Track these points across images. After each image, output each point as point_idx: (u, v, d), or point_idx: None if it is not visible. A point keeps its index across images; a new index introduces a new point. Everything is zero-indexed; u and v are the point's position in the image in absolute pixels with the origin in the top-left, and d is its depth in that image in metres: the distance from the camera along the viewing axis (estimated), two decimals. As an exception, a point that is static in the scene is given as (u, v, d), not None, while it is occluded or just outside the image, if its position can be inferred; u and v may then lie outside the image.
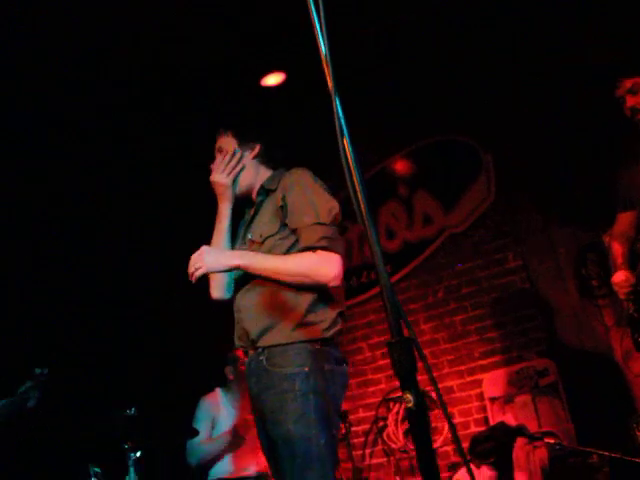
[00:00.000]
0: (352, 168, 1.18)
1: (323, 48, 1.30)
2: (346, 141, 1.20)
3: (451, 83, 5.19)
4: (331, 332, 2.47)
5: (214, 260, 2.48)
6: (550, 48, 4.83)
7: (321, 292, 2.50)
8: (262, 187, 2.75)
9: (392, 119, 5.45)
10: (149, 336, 5.86)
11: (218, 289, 2.80)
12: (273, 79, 5.23)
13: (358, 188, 1.17)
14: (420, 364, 1.30)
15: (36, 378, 3.49)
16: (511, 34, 4.91)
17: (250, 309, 2.57)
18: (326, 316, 2.49)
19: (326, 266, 2.43)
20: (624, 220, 3.61)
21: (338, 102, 1.25)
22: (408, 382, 1.13)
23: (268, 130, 2.93)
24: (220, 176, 2.77)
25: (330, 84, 1.29)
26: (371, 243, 1.14)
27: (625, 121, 3.47)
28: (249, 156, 2.80)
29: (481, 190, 5.30)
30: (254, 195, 2.80)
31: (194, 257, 2.48)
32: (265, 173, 2.81)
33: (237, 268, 2.51)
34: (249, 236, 2.70)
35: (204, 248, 2.52)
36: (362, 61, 5.06)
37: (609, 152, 4.33)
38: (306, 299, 2.49)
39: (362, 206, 1.16)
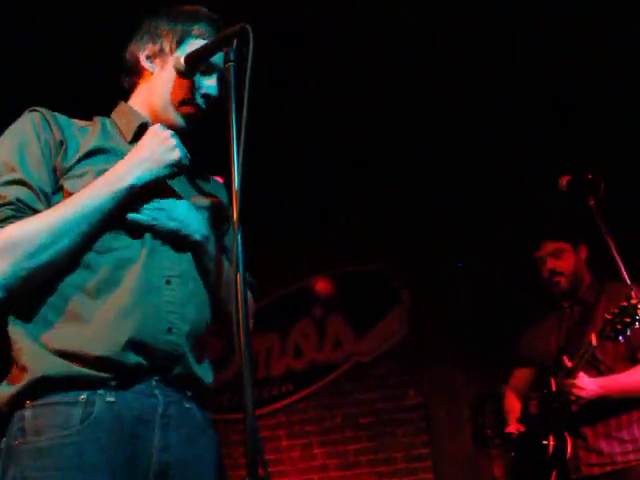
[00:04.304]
0: (240, 303, 1.21)
1: (236, 184, 1.35)
2: (239, 277, 1.25)
3: (382, 216, 5.34)
4: None
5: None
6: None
7: None
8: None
9: (320, 241, 5.54)
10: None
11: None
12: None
13: (242, 326, 1.20)
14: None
15: None
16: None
17: (198, 319, 1.62)
18: None
19: None
20: (520, 376, 3.71)
21: (240, 237, 1.29)
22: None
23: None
24: None
25: (235, 217, 1.33)
26: (245, 381, 1.15)
27: (536, 282, 3.62)
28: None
29: (394, 323, 5.39)
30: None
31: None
32: None
33: None
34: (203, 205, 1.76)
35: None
36: (295, 185, 5.20)
37: (520, 309, 4.51)
38: None
39: (242, 345, 1.18)
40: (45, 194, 1.56)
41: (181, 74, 1.74)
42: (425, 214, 5.21)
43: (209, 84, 1.76)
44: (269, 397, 5.50)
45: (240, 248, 1.29)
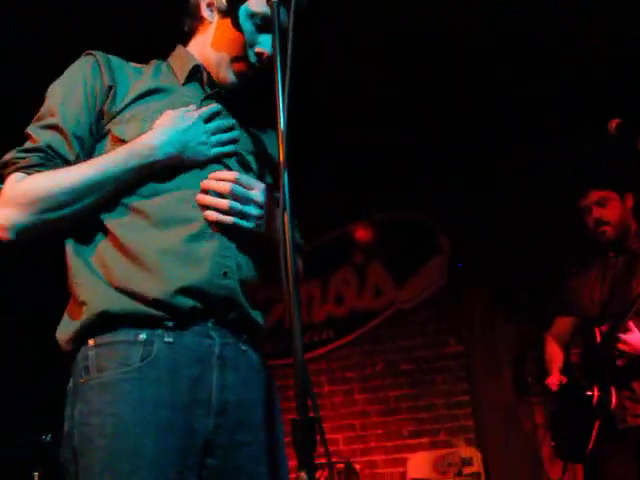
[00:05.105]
0: (287, 244, 1.21)
1: (282, 124, 1.33)
2: (286, 217, 1.24)
3: (424, 166, 5.30)
4: None
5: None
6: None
7: None
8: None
9: (361, 188, 5.53)
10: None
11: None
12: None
13: (289, 266, 1.20)
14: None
15: None
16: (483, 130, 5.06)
17: (250, 267, 1.61)
18: None
19: None
20: (562, 325, 3.67)
21: (286, 177, 1.28)
22: (305, 462, 1.14)
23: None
24: None
25: (282, 158, 1.31)
26: (292, 320, 1.15)
27: (582, 230, 3.56)
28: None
29: (434, 272, 5.38)
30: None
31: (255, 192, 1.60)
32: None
33: None
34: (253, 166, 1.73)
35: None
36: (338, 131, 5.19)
37: (563, 257, 4.47)
38: None
39: (290, 284, 1.18)
40: (81, 140, 1.56)
41: (223, 14, 1.71)
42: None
43: (264, 41, 1.70)
44: (310, 343, 5.56)
45: (287, 189, 1.27)
